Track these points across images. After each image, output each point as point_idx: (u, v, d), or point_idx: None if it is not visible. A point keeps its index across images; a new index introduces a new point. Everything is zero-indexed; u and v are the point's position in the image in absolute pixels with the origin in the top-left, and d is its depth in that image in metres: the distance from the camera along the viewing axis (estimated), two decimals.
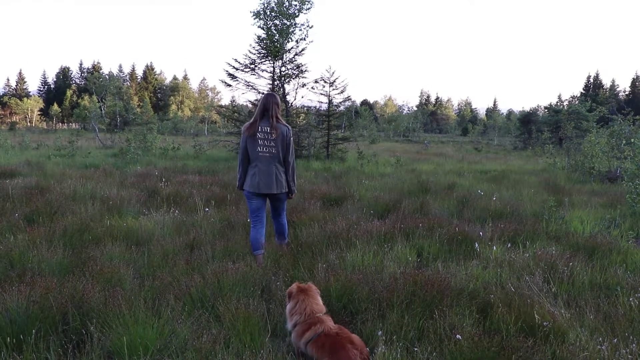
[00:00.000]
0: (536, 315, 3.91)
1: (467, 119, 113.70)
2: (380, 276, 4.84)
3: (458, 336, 3.52)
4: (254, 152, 5.63)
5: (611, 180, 14.32)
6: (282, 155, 5.68)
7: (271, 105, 5.63)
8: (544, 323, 3.82)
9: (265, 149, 5.62)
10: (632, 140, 11.61)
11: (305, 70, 22.39)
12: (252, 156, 5.65)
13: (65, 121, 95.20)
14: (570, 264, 5.29)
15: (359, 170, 16.04)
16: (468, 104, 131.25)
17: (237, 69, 22.28)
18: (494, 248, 5.88)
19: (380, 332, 3.66)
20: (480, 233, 6.59)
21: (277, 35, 21.44)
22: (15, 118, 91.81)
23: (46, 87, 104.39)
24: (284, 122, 5.76)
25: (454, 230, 6.63)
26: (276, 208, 5.92)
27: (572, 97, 43.61)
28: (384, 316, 4.02)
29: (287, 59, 22.20)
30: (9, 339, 3.50)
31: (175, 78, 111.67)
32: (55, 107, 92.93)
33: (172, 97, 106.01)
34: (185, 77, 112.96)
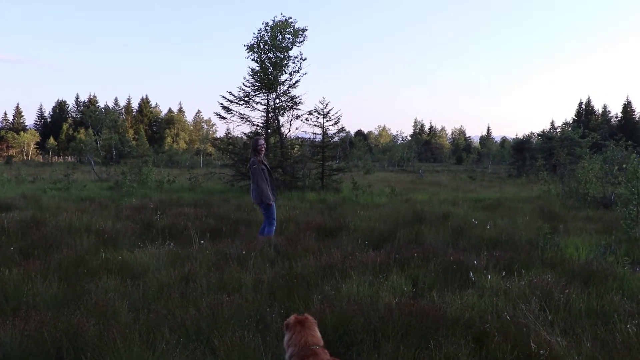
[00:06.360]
0: (532, 344, 3.90)
1: (461, 148, 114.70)
2: (376, 307, 4.81)
3: None
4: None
5: (606, 206, 14.38)
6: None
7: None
8: (541, 352, 3.81)
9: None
10: (624, 165, 11.71)
11: (300, 102, 22.49)
12: None
13: (61, 154, 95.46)
14: (566, 291, 5.29)
15: (353, 201, 16.06)
16: (462, 132, 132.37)
17: (231, 102, 22.38)
18: (489, 277, 5.88)
19: None
20: (475, 262, 6.59)
21: (271, 68, 21.63)
22: (12, 152, 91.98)
23: (43, 120, 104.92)
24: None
25: (449, 259, 6.62)
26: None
27: (564, 124, 44.21)
28: (379, 347, 4.00)
29: (281, 91, 22.37)
30: None
31: (170, 111, 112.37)
32: (52, 140, 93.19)
33: (167, 130, 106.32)
34: (180, 110, 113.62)
